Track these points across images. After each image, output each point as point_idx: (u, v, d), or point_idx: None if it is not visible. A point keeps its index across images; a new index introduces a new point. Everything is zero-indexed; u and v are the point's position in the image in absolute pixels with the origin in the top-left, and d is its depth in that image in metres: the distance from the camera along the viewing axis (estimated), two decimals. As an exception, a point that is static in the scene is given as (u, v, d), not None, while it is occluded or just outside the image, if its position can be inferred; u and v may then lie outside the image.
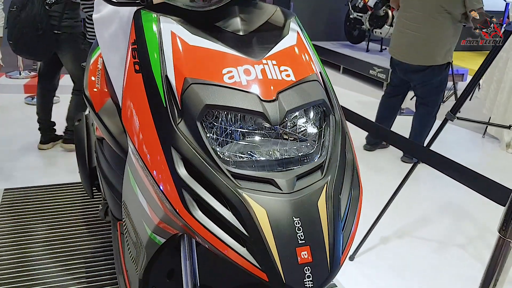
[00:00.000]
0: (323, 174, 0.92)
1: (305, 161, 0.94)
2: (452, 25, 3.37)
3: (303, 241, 0.83)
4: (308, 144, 0.96)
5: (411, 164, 2.33)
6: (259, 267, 0.81)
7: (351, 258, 2.46)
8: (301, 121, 0.96)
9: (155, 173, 0.90)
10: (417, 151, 1.92)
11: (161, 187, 0.89)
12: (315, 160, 0.94)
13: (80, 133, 2.11)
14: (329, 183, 0.90)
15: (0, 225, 2.38)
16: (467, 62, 6.69)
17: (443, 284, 2.28)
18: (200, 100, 0.89)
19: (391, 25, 5.99)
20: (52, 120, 3.50)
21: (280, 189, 0.87)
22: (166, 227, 0.97)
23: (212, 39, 0.97)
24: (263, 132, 0.94)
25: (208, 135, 0.89)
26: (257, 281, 1.15)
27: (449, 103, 5.37)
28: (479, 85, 4.99)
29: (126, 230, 1.23)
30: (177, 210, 0.86)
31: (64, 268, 2.09)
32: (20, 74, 5.27)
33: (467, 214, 3.01)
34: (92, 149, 2.05)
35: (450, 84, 5.65)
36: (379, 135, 2.25)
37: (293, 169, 0.91)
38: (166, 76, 0.94)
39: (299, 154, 0.94)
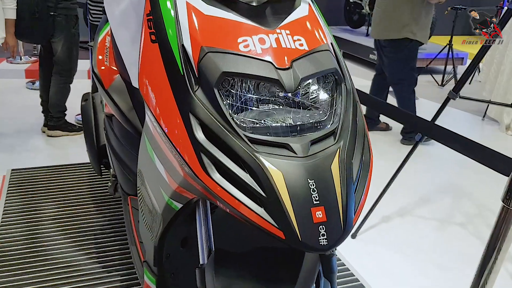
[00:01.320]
0: (336, 140, 0.95)
1: (318, 127, 0.97)
2: (408, 1, 3.44)
3: (318, 202, 0.87)
4: (321, 112, 0.99)
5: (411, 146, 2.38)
6: (276, 225, 0.85)
7: (353, 236, 2.50)
8: (313, 90, 0.99)
9: (174, 138, 0.93)
10: (421, 125, 1.95)
11: (180, 152, 0.92)
12: (328, 127, 0.97)
13: (87, 112, 2.13)
14: (341, 148, 0.94)
15: (10, 203, 2.43)
16: (466, 46, 6.69)
17: (443, 260, 2.32)
18: (217, 67, 0.92)
19: (391, 9, 5.99)
20: None
21: (295, 153, 0.90)
22: (183, 192, 1.00)
23: (226, 9, 0.99)
24: (277, 100, 0.97)
25: (224, 102, 0.92)
26: (268, 245, 1.19)
27: (449, 87, 5.41)
28: (479, 69, 5.02)
29: (141, 199, 1.26)
30: (196, 173, 0.89)
31: (74, 243, 2.13)
32: (20, 59, 5.27)
33: (467, 193, 3.05)
34: (100, 127, 2.08)
35: (450, 68, 5.69)
36: (385, 112, 2.27)
37: (307, 135, 0.94)
38: (183, 45, 0.96)
39: (312, 121, 0.97)
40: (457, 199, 2.98)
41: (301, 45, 0.98)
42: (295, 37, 0.98)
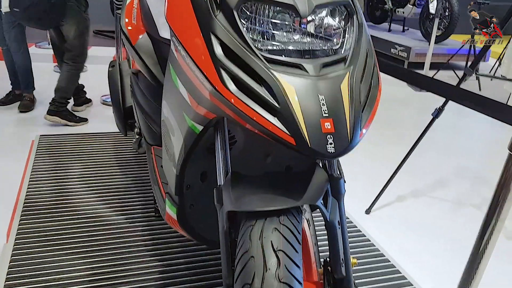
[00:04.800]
0: (346, 65, 1.02)
1: (330, 54, 1.04)
2: None
3: (327, 115, 0.94)
4: (334, 41, 1.06)
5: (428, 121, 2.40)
6: (288, 133, 0.92)
7: (367, 211, 2.54)
8: (327, 21, 1.06)
9: (196, 57, 1.02)
10: (447, 90, 1.98)
11: (201, 69, 1.00)
12: (340, 53, 1.04)
13: (114, 77, 2.26)
14: (351, 71, 1.01)
15: (38, 163, 2.57)
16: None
17: (456, 238, 2.33)
18: None
19: (414, 4, 6.01)
20: (80, 83, 3.55)
21: (307, 72, 0.97)
22: (205, 113, 1.08)
23: None
24: (293, 30, 1.04)
25: (244, 26, 1.00)
26: (282, 169, 1.26)
27: (470, 82, 5.39)
28: (500, 62, 5.00)
29: (165, 131, 1.35)
30: (216, 87, 0.97)
31: (97, 198, 2.26)
32: (48, 44, 5.44)
33: (484, 177, 3.06)
34: (125, 90, 2.20)
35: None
36: (407, 78, 2.31)
37: (319, 58, 1.02)
38: None
39: (325, 48, 1.04)
40: (475, 183, 2.98)
41: None
42: None
